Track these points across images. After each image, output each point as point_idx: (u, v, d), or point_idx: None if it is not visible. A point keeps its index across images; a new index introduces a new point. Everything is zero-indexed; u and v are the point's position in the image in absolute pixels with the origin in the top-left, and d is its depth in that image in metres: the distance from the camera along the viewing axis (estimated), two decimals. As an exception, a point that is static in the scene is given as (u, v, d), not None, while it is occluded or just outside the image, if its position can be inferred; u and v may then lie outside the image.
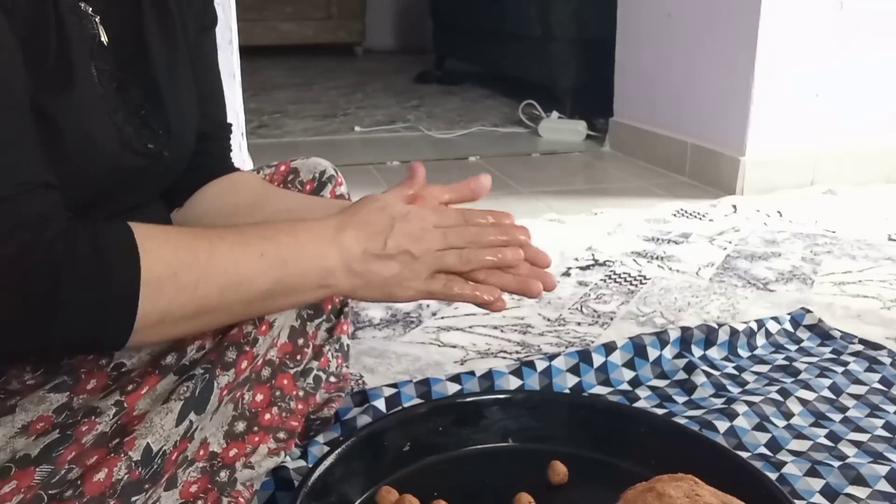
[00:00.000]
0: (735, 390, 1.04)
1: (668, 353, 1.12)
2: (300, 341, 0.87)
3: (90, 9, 0.69)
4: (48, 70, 0.62)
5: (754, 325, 1.20)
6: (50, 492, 0.56)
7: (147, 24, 0.74)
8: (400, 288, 0.71)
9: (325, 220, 0.70)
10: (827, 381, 1.05)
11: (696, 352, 1.14)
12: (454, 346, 1.20)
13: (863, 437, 0.94)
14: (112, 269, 0.57)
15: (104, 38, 0.70)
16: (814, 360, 1.13)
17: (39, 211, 0.57)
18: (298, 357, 0.86)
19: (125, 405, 0.65)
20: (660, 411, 0.99)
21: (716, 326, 1.17)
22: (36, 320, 0.56)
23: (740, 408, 0.96)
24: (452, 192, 0.79)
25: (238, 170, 0.94)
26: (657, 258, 1.60)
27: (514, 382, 1.03)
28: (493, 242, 0.73)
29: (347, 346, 0.99)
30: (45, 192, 0.58)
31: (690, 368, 1.09)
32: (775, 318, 1.24)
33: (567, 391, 1.04)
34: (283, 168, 0.97)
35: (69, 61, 0.63)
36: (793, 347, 1.19)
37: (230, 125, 0.94)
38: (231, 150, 0.95)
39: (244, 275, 0.64)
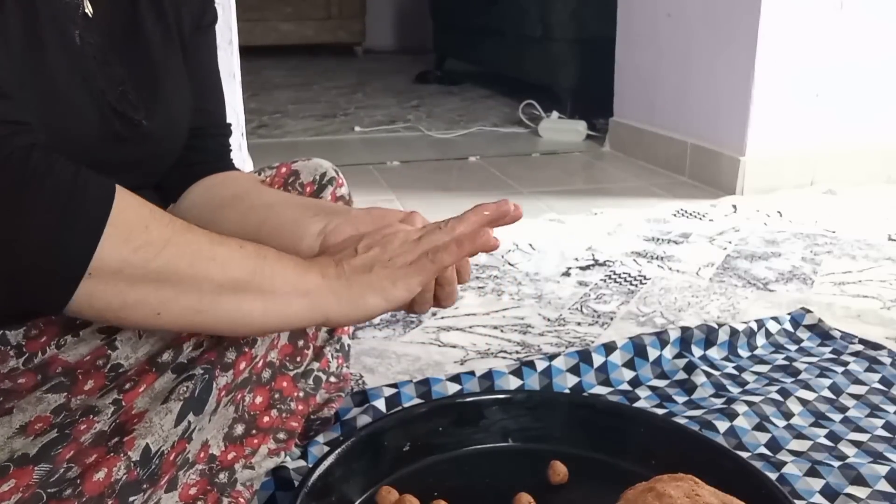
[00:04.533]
0: (735, 390, 1.04)
1: (668, 353, 1.12)
2: (300, 343, 0.87)
3: None
4: (7, 30, 0.61)
5: (754, 325, 1.20)
6: (49, 490, 0.56)
7: (141, 8, 0.75)
8: (384, 284, 0.66)
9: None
10: (827, 381, 1.05)
11: (696, 352, 1.14)
12: (454, 346, 1.20)
13: (863, 437, 0.94)
14: (86, 195, 0.55)
15: (88, 10, 0.70)
16: (814, 360, 1.13)
17: (18, 118, 0.56)
18: (298, 359, 0.86)
19: (123, 404, 0.65)
20: (660, 411, 0.99)
21: (716, 326, 1.17)
22: None
23: (740, 408, 0.96)
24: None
25: (237, 169, 0.94)
26: (657, 258, 1.60)
27: (514, 382, 1.03)
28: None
29: (348, 346, 0.99)
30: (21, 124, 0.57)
31: (690, 368, 1.09)
32: (775, 318, 1.24)
33: (567, 391, 1.04)
34: (283, 170, 0.96)
35: (34, 24, 0.63)
36: (793, 347, 1.19)
37: (230, 125, 0.94)
38: (230, 150, 0.94)
39: (219, 254, 0.62)
